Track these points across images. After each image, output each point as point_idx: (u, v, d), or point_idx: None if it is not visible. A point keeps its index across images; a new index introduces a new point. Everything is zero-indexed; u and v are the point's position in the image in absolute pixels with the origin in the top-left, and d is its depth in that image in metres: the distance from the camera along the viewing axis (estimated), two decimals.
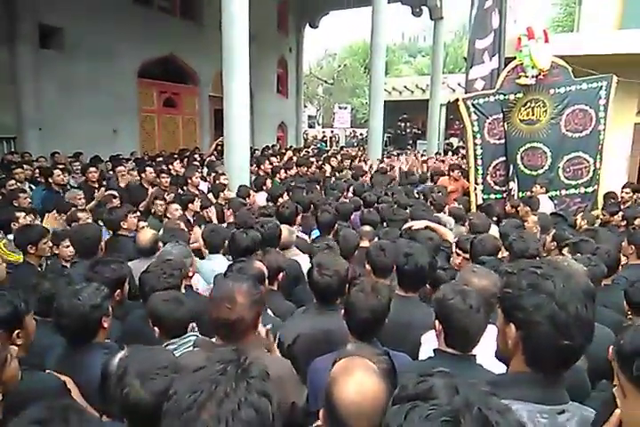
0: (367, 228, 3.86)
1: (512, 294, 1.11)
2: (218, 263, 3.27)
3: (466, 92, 6.60)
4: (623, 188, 5.76)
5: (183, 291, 2.45)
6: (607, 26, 7.75)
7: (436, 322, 1.77)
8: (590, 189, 6.07)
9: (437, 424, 0.70)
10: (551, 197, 5.87)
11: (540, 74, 5.74)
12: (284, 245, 3.42)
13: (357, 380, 1.17)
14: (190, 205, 5.05)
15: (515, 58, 5.92)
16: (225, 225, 4.62)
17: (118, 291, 2.39)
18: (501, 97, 5.98)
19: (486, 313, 1.73)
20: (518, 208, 5.08)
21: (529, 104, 5.95)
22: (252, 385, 0.92)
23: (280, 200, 5.49)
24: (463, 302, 1.70)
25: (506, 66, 6.13)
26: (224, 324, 1.64)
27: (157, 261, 2.58)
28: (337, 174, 8.28)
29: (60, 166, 7.29)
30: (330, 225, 3.91)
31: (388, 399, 1.17)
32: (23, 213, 3.95)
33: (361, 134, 24.65)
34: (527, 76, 5.76)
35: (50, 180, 5.97)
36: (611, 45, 6.42)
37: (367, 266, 2.71)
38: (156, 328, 1.97)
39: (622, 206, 5.23)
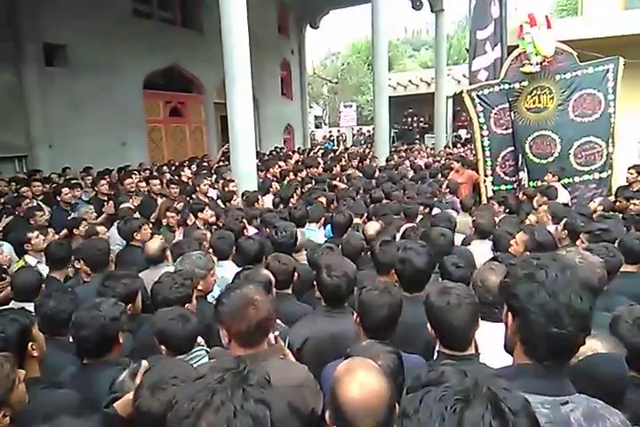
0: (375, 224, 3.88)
1: (509, 283, 1.17)
2: (227, 270, 3.25)
3: (470, 84, 6.51)
4: (629, 169, 5.61)
5: (195, 302, 2.45)
6: (612, 7, 7.59)
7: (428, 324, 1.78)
8: (605, 175, 5.93)
9: (451, 403, 0.75)
10: (564, 185, 5.75)
11: (544, 61, 5.65)
12: (297, 248, 3.44)
13: (361, 379, 1.20)
14: (200, 213, 5.06)
15: (517, 46, 5.83)
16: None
17: (130, 305, 2.39)
18: (506, 86, 5.89)
19: (474, 308, 1.74)
20: (535, 198, 4.99)
21: (535, 92, 5.85)
22: (248, 393, 0.93)
23: (291, 202, 5.54)
24: (442, 299, 1.70)
25: (509, 55, 6.04)
26: (255, 327, 1.62)
27: (169, 271, 2.57)
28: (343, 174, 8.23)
29: (73, 182, 7.40)
30: (345, 226, 3.91)
31: (392, 398, 1.22)
32: (37, 232, 4.00)
33: (368, 131, 24.56)
34: (531, 64, 5.66)
35: (58, 198, 6.01)
36: (616, 27, 6.28)
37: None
38: (162, 346, 1.96)
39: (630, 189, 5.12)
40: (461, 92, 6.07)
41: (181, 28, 13.33)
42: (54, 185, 7.05)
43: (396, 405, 1.21)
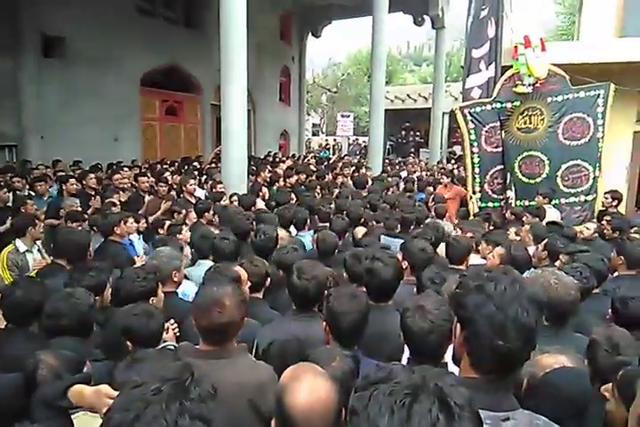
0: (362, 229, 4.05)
1: (459, 294, 1.18)
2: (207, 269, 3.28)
3: (463, 101, 6.59)
4: (605, 193, 5.75)
5: (162, 297, 2.44)
6: (607, 34, 7.73)
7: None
8: (590, 198, 5.99)
9: (400, 398, 0.76)
10: (553, 206, 5.82)
11: (536, 82, 5.73)
12: None
13: (307, 386, 1.17)
14: (207, 214, 5.03)
15: (511, 66, 5.91)
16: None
17: (97, 298, 2.36)
18: (498, 105, 5.96)
19: (447, 330, 1.70)
20: (523, 219, 5.04)
21: (526, 112, 5.93)
22: (185, 408, 0.87)
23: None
24: (416, 324, 1.72)
25: (502, 74, 6.13)
26: (216, 329, 1.66)
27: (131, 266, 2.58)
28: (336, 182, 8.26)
29: (60, 174, 7.37)
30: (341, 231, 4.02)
31: (340, 402, 1.20)
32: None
33: (364, 141, 24.67)
34: (524, 85, 5.74)
35: (64, 187, 6.11)
36: (609, 53, 6.39)
37: (345, 273, 2.73)
38: (128, 342, 1.95)
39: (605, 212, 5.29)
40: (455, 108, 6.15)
41: (184, 28, 13.36)
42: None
43: (343, 409, 1.19)
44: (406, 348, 1.84)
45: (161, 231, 4.46)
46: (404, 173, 10.52)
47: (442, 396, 0.77)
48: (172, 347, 2.09)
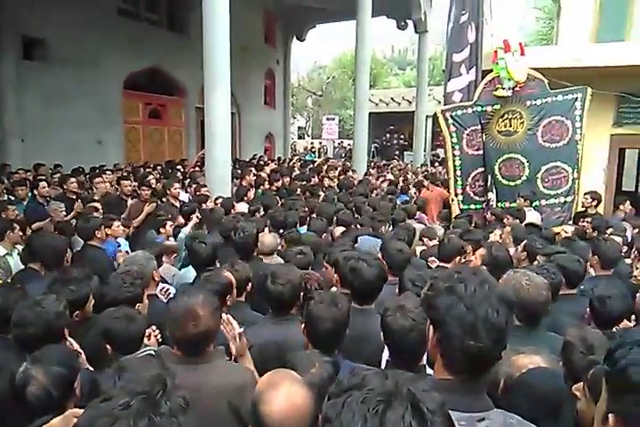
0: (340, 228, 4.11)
1: (430, 295, 1.18)
2: (193, 271, 3.28)
3: (445, 105, 6.67)
4: (585, 194, 5.90)
5: (147, 301, 2.43)
6: (584, 39, 7.90)
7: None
8: (569, 199, 6.10)
9: (373, 405, 0.76)
10: (533, 208, 5.91)
11: (516, 86, 5.82)
12: (267, 252, 3.46)
13: (283, 394, 1.17)
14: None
15: (491, 70, 5.99)
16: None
17: (77, 312, 2.32)
18: (479, 109, 6.04)
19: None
20: (504, 220, 5.12)
21: (506, 116, 6.02)
22: (154, 423, 0.83)
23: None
24: (397, 322, 1.72)
25: (483, 78, 6.21)
26: (191, 340, 1.65)
27: (118, 271, 2.55)
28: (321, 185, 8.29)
29: (41, 178, 7.26)
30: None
31: (317, 409, 1.20)
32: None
33: (349, 144, 24.77)
34: (504, 89, 5.82)
35: (35, 192, 5.97)
36: (586, 58, 6.53)
37: (335, 276, 2.73)
38: (107, 346, 1.94)
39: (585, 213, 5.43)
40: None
41: (167, 31, 13.31)
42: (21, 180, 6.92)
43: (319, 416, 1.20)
44: (386, 350, 1.86)
45: (162, 231, 4.45)
46: (389, 176, 10.58)
47: (414, 401, 0.78)
48: (152, 352, 2.08)
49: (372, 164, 15.11)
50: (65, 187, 6.32)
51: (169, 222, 4.66)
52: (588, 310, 2.50)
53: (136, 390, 0.88)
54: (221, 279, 2.39)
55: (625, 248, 4.09)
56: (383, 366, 1.95)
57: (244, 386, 1.67)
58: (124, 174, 8.07)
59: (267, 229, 4.17)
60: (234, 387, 1.66)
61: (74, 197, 6.10)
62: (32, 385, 1.50)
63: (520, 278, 2.15)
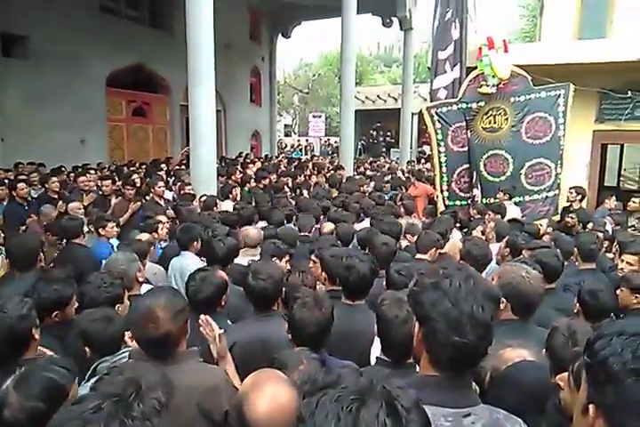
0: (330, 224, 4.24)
1: (416, 291, 1.18)
2: (188, 258, 3.40)
3: (430, 102, 6.70)
4: (570, 189, 5.99)
5: (127, 302, 2.39)
6: (566, 36, 7.99)
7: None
8: (552, 194, 6.18)
9: (347, 403, 0.75)
10: (515, 204, 5.96)
11: (500, 83, 5.86)
12: (252, 244, 3.51)
13: (268, 394, 1.15)
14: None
15: (476, 67, 6.03)
16: None
17: (57, 312, 2.25)
18: (464, 106, 6.08)
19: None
20: (486, 216, 5.16)
21: (490, 112, 6.06)
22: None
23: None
24: (392, 312, 1.71)
25: (467, 75, 6.25)
26: (152, 343, 1.61)
27: (97, 272, 2.52)
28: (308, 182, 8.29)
29: (21, 177, 7.12)
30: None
31: None
32: None
33: (336, 142, 24.78)
34: (488, 85, 5.86)
35: (13, 193, 5.84)
36: (568, 55, 6.59)
37: (323, 274, 2.73)
38: (86, 348, 1.90)
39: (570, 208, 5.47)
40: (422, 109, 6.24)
41: (149, 28, 13.14)
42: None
43: None
44: (375, 347, 1.85)
45: (155, 236, 4.35)
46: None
47: (389, 399, 0.77)
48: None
49: (358, 161, 15.13)
50: (47, 186, 6.22)
51: (159, 226, 4.61)
52: (576, 303, 2.54)
53: (108, 393, 0.87)
54: (217, 279, 2.35)
55: (606, 243, 4.15)
56: (373, 362, 1.96)
57: (215, 387, 1.64)
58: (107, 174, 7.96)
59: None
60: (204, 388, 1.63)
61: (56, 196, 6.01)
62: (6, 410, 1.36)
63: (519, 271, 2.16)
